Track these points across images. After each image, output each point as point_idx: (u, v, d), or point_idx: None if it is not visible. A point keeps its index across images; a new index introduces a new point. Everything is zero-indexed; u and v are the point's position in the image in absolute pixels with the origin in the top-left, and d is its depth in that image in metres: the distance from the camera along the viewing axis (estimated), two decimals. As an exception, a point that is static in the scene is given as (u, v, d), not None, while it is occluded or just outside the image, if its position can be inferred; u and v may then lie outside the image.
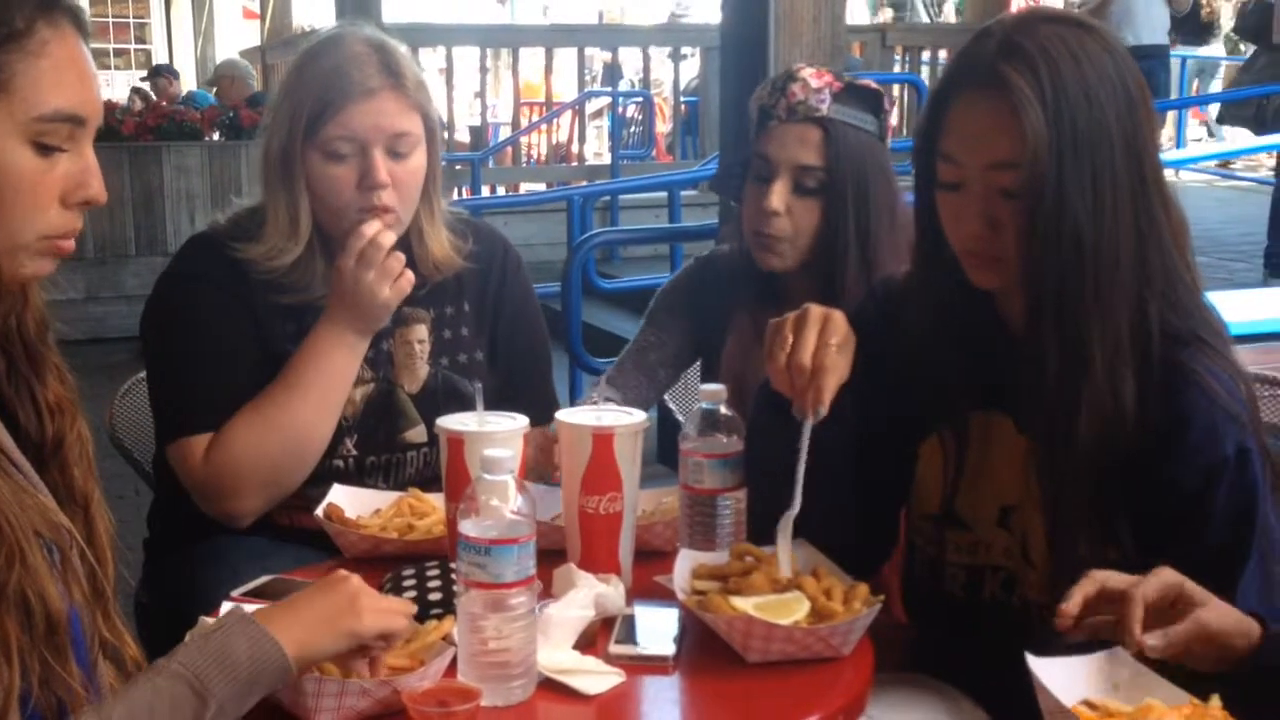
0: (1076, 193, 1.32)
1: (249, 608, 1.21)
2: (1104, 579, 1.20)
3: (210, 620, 1.31)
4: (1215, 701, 1.13)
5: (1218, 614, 1.20)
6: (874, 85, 2.00)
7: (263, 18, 11.12)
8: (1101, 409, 1.34)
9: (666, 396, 2.60)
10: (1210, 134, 12.12)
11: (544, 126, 10.43)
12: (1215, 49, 12.63)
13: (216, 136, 7.46)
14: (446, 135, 9.32)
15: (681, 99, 9.83)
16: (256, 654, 1.13)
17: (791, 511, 1.42)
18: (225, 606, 1.35)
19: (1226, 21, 11.92)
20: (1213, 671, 1.21)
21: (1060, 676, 1.16)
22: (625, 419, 1.50)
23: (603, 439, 1.46)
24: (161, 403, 1.85)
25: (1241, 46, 12.45)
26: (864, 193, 1.89)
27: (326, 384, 1.76)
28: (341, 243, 1.80)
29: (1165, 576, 1.20)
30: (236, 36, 13.97)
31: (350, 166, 1.79)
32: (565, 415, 1.50)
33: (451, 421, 1.51)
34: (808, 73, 1.94)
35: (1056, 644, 1.27)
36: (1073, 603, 1.19)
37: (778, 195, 1.90)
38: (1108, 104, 1.33)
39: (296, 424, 1.76)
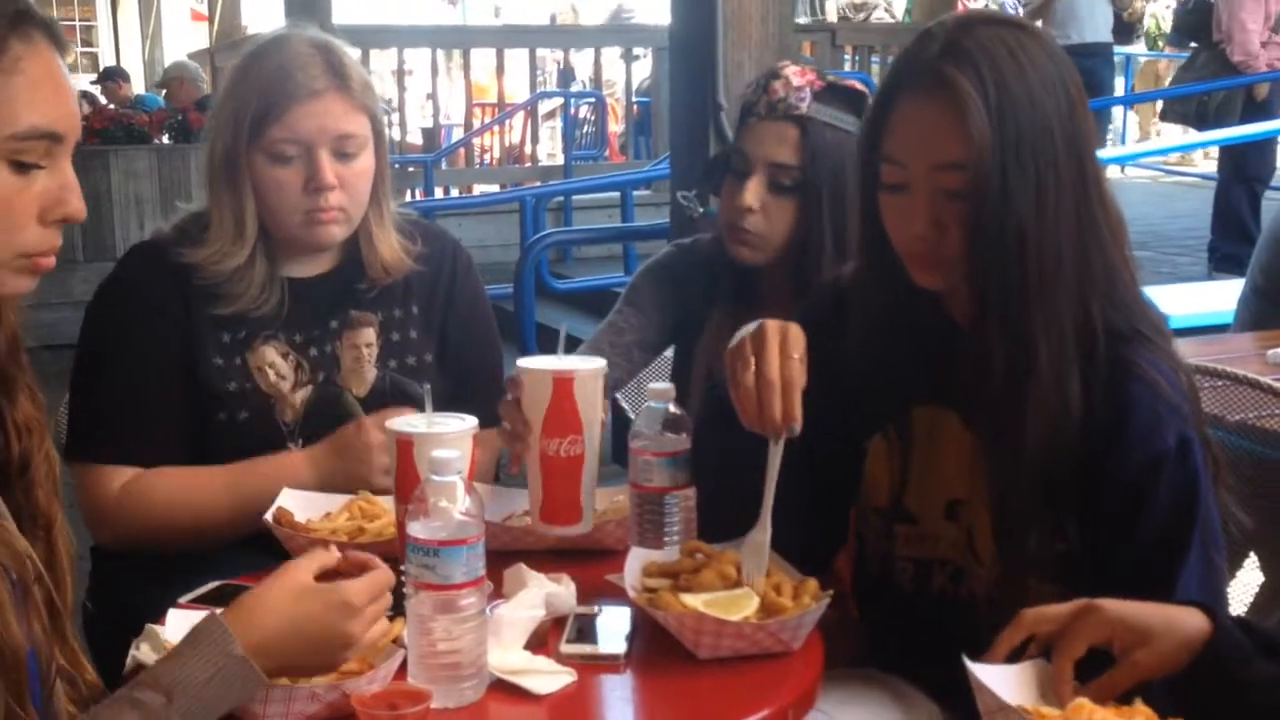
0: (1020, 193, 1.33)
1: (194, 614, 1.20)
2: (1033, 624, 1.22)
3: (159, 629, 1.31)
4: (1138, 702, 1.15)
5: (1158, 648, 1.19)
6: (858, 85, 2.01)
7: (211, 20, 11.02)
8: (1048, 407, 1.35)
9: (619, 395, 2.61)
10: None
11: (497, 128, 10.40)
12: (1137, 47, 12.79)
13: (166, 140, 7.38)
14: (399, 137, 9.28)
15: (634, 99, 9.84)
16: (240, 696, 1.14)
17: (763, 534, 1.41)
18: (172, 614, 1.34)
19: (1147, 20, 12.08)
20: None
21: (995, 682, 1.17)
22: (585, 363, 1.52)
23: (563, 382, 1.48)
24: (78, 418, 1.84)
25: (1160, 43, 12.64)
26: (840, 192, 1.90)
27: (264, 505, 1.69)
28: (287, 245, 1.80)
29: (1097, 616, 1.20)
30: (184, 39, 13.83)
31: (296, 169, 1.78)
32: (526, 362, 1.51)
33: (400, 423, 1.51)
34: (791, 71, 1.95)
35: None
36: (998, 654, 1.21)
37: (752, 192, 1.92)
38: (1049, 105, 1.34)
39: (215, 519, 1.76)
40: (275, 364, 1.85)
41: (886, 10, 11.47)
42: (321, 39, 1.84)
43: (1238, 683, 1.20)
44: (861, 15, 11.21)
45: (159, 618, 1.34)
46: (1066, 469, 1.37)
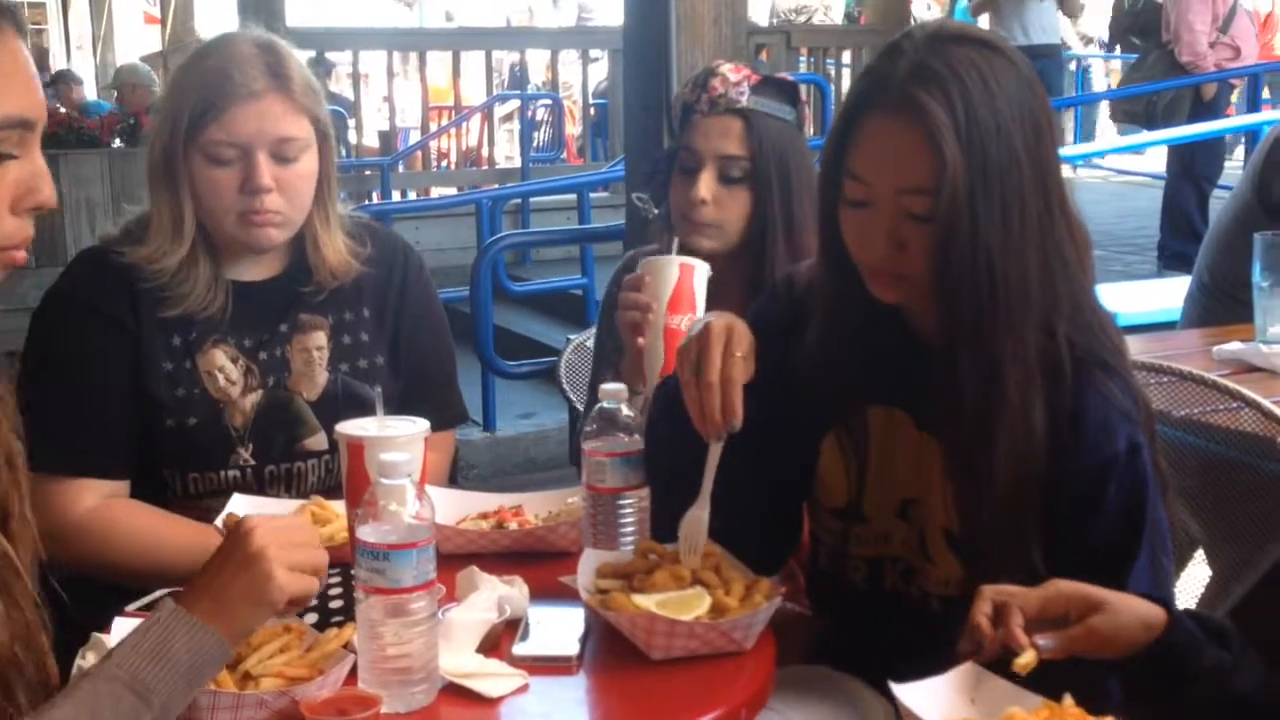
0: (988, 221, 1.32)
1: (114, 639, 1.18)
2: (994, 594, 1.23)
3: (105, 638, 1.29)
4: (1068, 700, 1.16)
5: (1113, 619, 1.21)
6: (789, 78, 2.09)
7: (163, 23, 10.91)
8: (1014, 433, 1.36)
9: (574, 396, 2.62)
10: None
11: (454, 130, 10.36)
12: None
13: (118, 144, 7.31)
14: (355, 140, 9.23)
15: (591, 101, 9.84)
16: (194, 645, 1.12)
17: (702, 511, 1.43)
18: (118, 622, 1.33)
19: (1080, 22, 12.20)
20: (1119, 660, 1.23)
21: (922, 700, 1.18)
22: (698, 260, 1.81)
23: (687, 268, 1.78)
24: (37, 428, 1.81)
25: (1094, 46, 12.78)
26: (787, 179, 1.96)
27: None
28: (228, 247, 1.79)
29: (1054, 588, 1.22)
30: (137, 42, 13.69)
31: (233, 170, 1.77)
32: (650, 258, 1.82)
33: (351, 427, 1.50)
34: (726, 68, 2.01)
35: (956, 637, 1.30)
36: (984, 629, 1.22)
37: (704, 185, 1.96)
38: (1016, 131, 1.34)
39: (169, 569, 1.67)
40: (225, 368, 1.83)
41: (825, 14, 11.53)
42: (265, 39, 1.82)
43: (1190, 671, 1.22)
44: (802, 18, 11.25)
45: (105, 627, 1.33)
46: (1033, 487, 1.38)
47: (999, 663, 1.22)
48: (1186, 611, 1.27)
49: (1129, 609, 1.23)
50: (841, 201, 1.42)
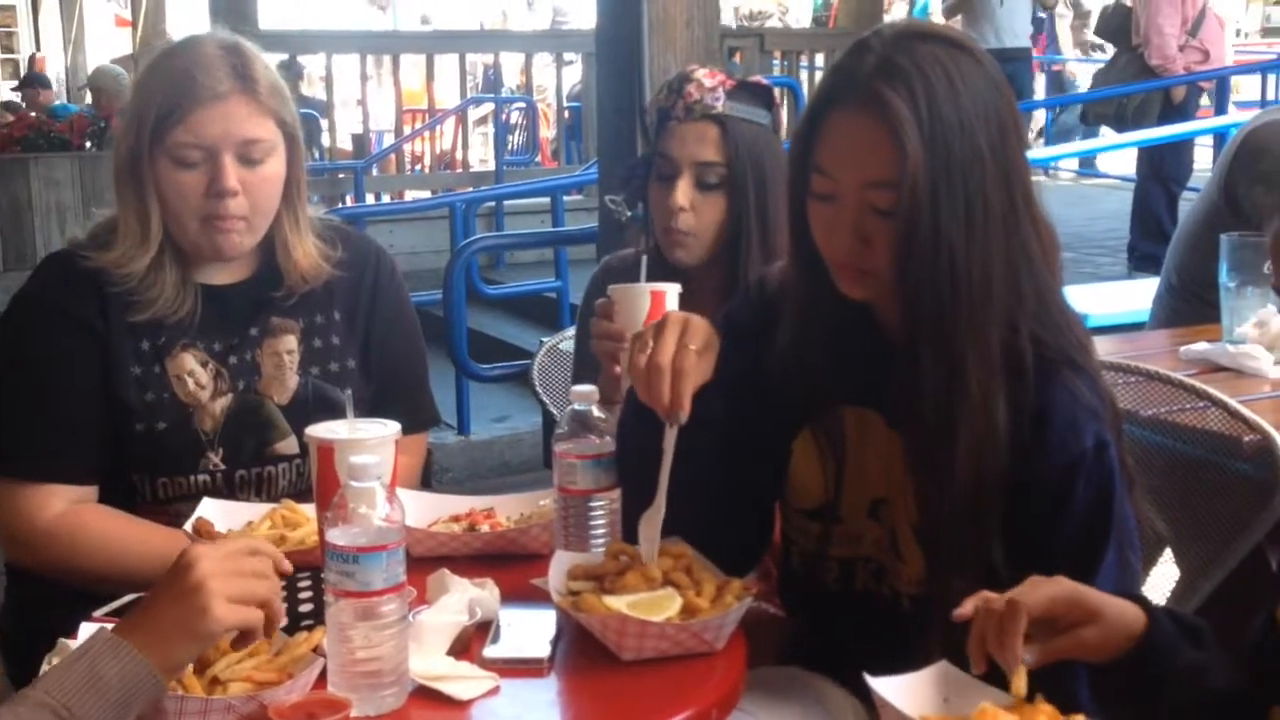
0: (950, 216, 1.33)
1: (111, 627, 1.18)
2: (987, 594, 1.22)
3: (71, 642, 1.28)
4: (1040, 699, 1.16)
5: (1103, 629, 1.21)
6: (764, 82, 2.09)
7: (135, 25, 10.86)
8: (976, 429, 1.37)
9: (547, 399, 2.62)
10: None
11: (428, 133, 10.34)
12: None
13: (89, 146, 7.27)
14: (329, 143, 9.20)
15: (565, 104, 9.84)
16: (127, 674, 1.11)
17: (657, 512, 1.43)
18: (86, 627, 1.32)
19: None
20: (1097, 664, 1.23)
21: (898, 694, 1.19)
22: (670, 285, 1.80)
23: (658, 295, 1.77)
24: (4, 432, 1.80)
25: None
26: (763, 184, 1.97)
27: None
28: (193, 251, 1.78)
29: (1060, 589, 1.21)
30: (108, 45, 13.61)
31: (199, 173, 1.76)
32: (619, 286, 1.82)
33: (321, 430, 1.49)
34: (701, 73, 2.01)
35: (930, 636, 1.31)
36: (966, 609, 1.21)
37: (682, 192, 1.97)
38: (980, 129, 1.35)
39: (138, 575, 1.64)
40: (194, 372, 1.83)
41: (781, 19, 11.59)
42: (230, 41, 1.81)
43: (1167, 671, 1.22)
44: (755, 24, 11.31)
45: (71, 633, 1.32)
46: (994, 483, 1.38)
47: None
48: (1164, 610, 1.27)
49: (1119, 620, 1.22)
50: (809, 196, 1.43)
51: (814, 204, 1.42)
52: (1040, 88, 11.43)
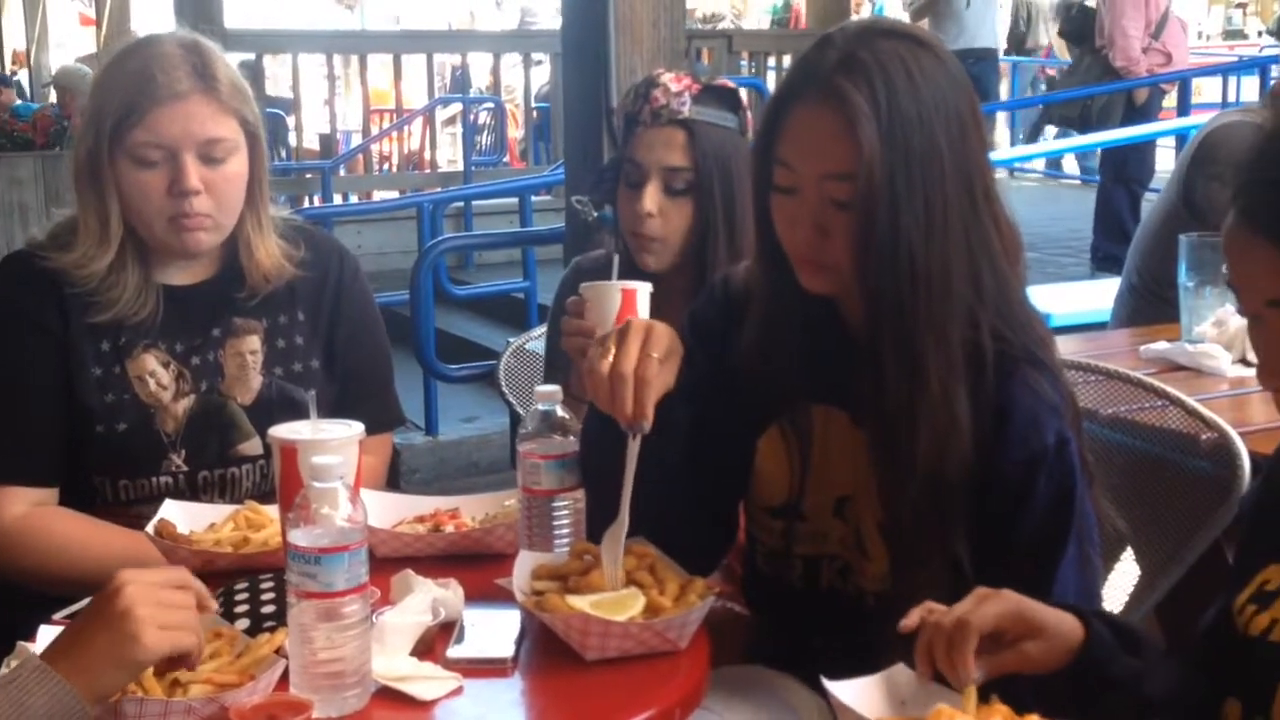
0: (908, 210, 1.34)
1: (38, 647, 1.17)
2: (932, 606, 1.23)
3: (30, 646, 1.28)
4: (995, 700, 1.17)
5: (1046, 643, 1.21)
6: (730, 84, 2.09)
7: (99, 24, 10.77)
8: (936, 423, 1.37)
9: (514, 400, 2.61)
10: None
11: (395, 134, 10.30)
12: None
13: (56, 149, 7.20)
14: (295, 143, 9.15)
15: (533, 105, 9.83)
16: (54, 707, 1.10)
17: (620, 528, 1.42)
18: (44, 630, 1.31)
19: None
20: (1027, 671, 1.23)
21: (856, 697, 1.19)
22: (641, 283, 1.71)
23: (629, 294, 1.66)
24: None
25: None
26: (730, 188, 1.97)
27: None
28: (158, 251, 1.77)
29: (1006, 605, 1.21)
30: (72, 44, 13.49)
31: (161, 172, 1.75)
32: (590, 284, 1.72)
33: (284, 430, 1.49)
34: (667, 78, 2.01)
35: (893, 635, 1.31)
36: (911, 620, 1.21)
37: (650, 198, 1.97)
38: (939, 124, 1.36)
39: (98, 579, 1.65)
40: (155, 373, 1.82)
41: (734, 22, 11.64)
42: (190, 39, 1.80)
43: (1105, 681, 1.23)
44: (709, 27, 11.36)
45: (30, 635, 1.31)
46: (957, 479, 1.39)
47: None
48: (1100, 616, 1.28)
49: (1060, 633, 1.22)
50: (772, 190, 1.44)
51: (776, 197, 1.43)
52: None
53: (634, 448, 1.42)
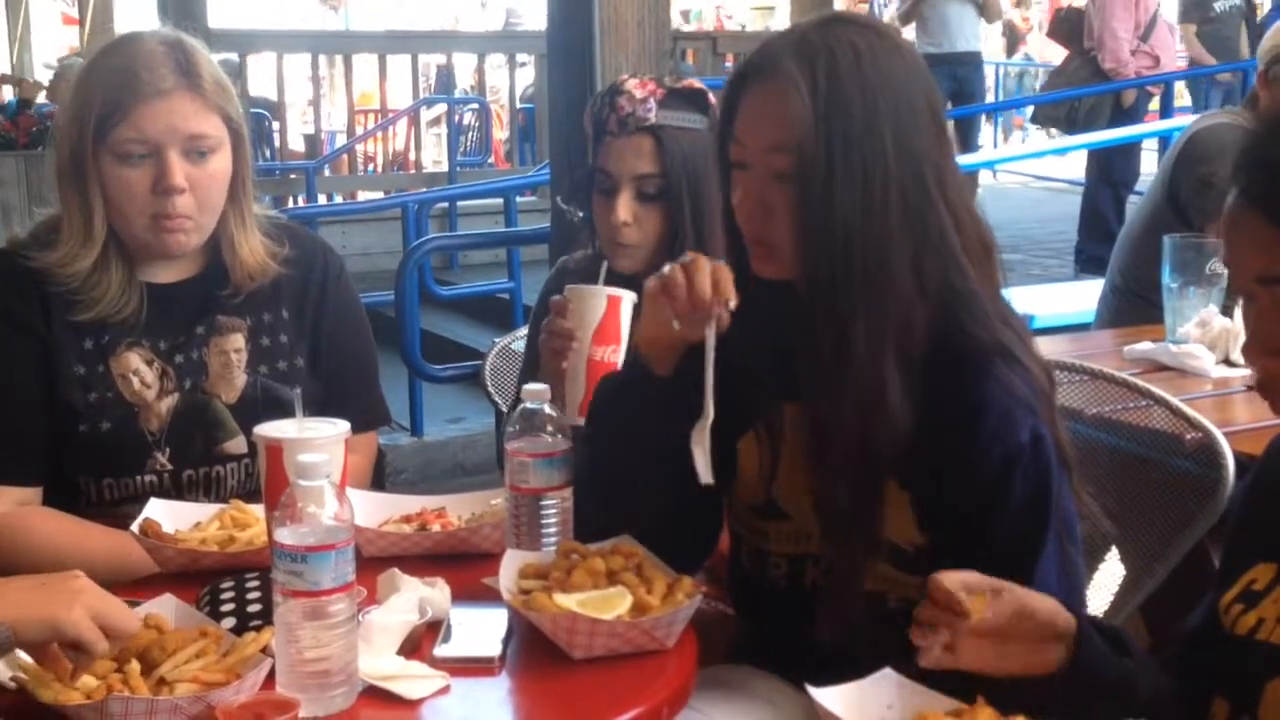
0: (845, 186, 1.37)
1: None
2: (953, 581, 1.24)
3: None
4: (980, 702, 1.17)
5: (1019, 598, 1.24)
6: (697, 84, 2.07)
7: (82, 23, 10.72)
8: (860, 396, 1.39)
9: (500, 400, 2.61)
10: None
11: (380, 134, 10.29)
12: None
13: (39, 148, 7.16)
14: (279, 143, 9.13)
15: (518, 106, 9.82)
16: None
17: (706, 420, 1.44)
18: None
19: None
20: (1021, 675, 1.25)
21: (839, 703, 1.20)
22: (626, 291, 1.78)
23: (614, 300, 1.77)
24: None
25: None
26: (698, 190, 1.96)
27: (141, 574, 1.64)
28: (138, 250, 1.75)
29: (967, 573, 1.24)
30: (55, 43, 13.43)
31: (144, 169, 1.74)
32: (576, 286, 1.81)
33: (269, 429, 1.48)
34: (632, 84, 2.00)
35: (878, 634, 1.32)
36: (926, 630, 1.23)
37: (624, 207, 1.97)
38: (884, 107, 1.38)
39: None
40: (139, 371, 1.81)
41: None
42: (173, 37, 1.80)
43: (1101, 685, 1.24)
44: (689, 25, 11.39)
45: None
46: (888, 460, 1.40)
47: (925, 674, 1.24)
48: (1089, 620, 1.29)
49: (1040, 601, 1.25)
50: (731, 169, 1.47)
51: (733, 175, 1.47)
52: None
53: (711, 338, 1.44)
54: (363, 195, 9.23)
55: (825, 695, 1.20)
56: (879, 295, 1.38)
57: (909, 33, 8.84)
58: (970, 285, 1.43)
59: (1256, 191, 1.16)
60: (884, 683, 1.23)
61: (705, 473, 1.44)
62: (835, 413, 1.40)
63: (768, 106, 1.41)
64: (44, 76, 9.27)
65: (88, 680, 1.20)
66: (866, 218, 1.37)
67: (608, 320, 1.76)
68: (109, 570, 1.60)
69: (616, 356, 1.75)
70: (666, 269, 1.47)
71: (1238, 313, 2.37)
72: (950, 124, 7.78)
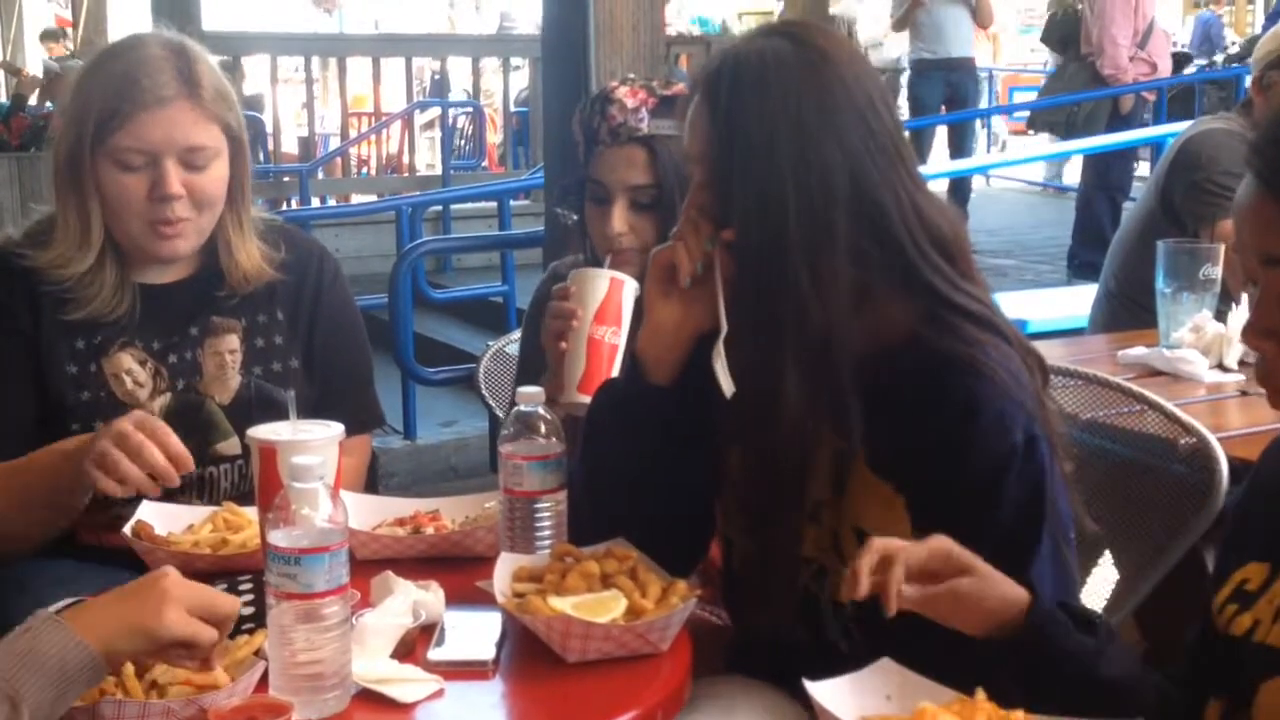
0: (741, 192, 1.41)
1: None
2: (882, 546, 1.25)
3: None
4: (980, 694, 1.17)
5: (978, 585, 1.26)
6: (686, 90, 2.06)
7: (75, 25, 10.71)
8: (757, 401, 1.42)
9: (494, 403, 2.61)
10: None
11: (374, 137, 10.28)
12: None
13: (32, 150, 7.15)
14: (272, 146, 9.11)
15: (512, 109, 9.82)
16: (64, 653, 1.10)
17: (722, 333, 1.46)
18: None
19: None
20: (980, 636, 1.27)
21: (836, 697, 1.19)
22: (630, 278, 1.82)
23: (617, 283, 1.80)
24: None
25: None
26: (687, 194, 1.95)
27: (44, 500, 1.67)
28: (131, 251, 1.75)
29: (935, 543, 1.26)
30: (49, 45, 13.39)
31: (142, 176, 1.74)
32: (581, 269, 1.85)
33: (263, 431, 1.48)
34: (622, 92, 1.98)
35: (873, 641, 1.31)
36: (861, 581, 1.23)
37: (618, 218, 1.96)
38: (781, 113, 1.40)
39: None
40: (132, 371, 1.80)
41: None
42: (176, 42, 1.79)
43: (1059, 653, 1.26)
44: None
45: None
46: (888, 465, 1.42)
47: (919, 663, 1.24)
48: (1055, 600, 1.31)
49: (994, 579, 1.27)
50: None
51: None
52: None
53: (718, 267, 1.47)
54: (356, 198, 9.21)
55: (822, 688, 1.19)
56: (772, 299, 1.41)
57: (901, 39, 8.88)
58: (934, 280, 1.43)
59: (1265, 172, 1.18)
60: (882, 673, 1.23)
61: (727, 385, 1.45)
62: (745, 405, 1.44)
63: (691, 117, 1.49)
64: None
65: None
66: (763, 221, 1.41)
67: (609, 301, 1.79)
68: (48, 491, 1.64)
69: (617, 339, 1.77)
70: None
71: (1231, 318, 2.38)
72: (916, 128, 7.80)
